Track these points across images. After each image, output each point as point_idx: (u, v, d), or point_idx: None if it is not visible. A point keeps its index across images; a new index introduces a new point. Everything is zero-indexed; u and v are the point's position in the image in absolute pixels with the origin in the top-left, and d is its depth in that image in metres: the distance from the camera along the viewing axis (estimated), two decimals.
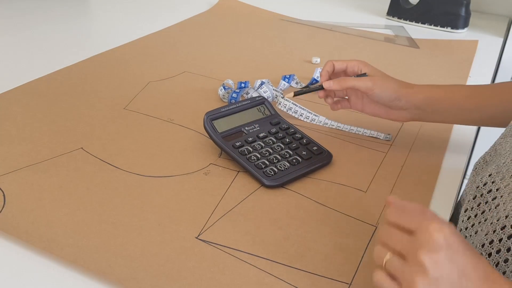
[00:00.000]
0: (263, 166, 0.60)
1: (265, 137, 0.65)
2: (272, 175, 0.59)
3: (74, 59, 0.93)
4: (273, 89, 0.81)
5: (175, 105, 0.79)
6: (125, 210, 0.55)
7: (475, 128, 0.79)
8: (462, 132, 0.75)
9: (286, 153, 0.63)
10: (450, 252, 0.38)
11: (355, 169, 0.64)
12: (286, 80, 0.85)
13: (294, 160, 0.62)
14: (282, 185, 0.59)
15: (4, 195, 0.56)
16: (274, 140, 0.65)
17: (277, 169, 0.60)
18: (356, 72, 0.67)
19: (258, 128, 0.66)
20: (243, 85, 0.83)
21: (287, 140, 0.65)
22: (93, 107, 0.76)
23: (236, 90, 0.80)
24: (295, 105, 0.76)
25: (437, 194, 0.61)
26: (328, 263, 0.49)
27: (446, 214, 0.58)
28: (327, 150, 0.65)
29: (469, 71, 0.98)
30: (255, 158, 0.61)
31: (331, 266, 0.49)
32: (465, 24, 1.23)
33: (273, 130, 0.67)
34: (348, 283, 0.47)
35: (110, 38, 1.06)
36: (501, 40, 1.20)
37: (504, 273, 0.45)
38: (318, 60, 0.98)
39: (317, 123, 0.75)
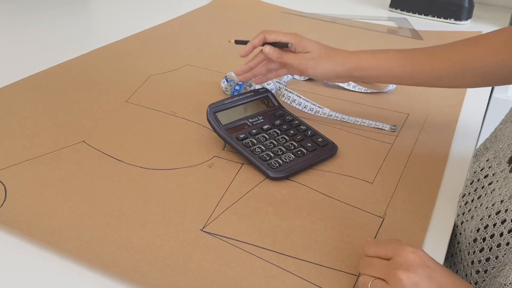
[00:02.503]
0: (267, 158, 0.59)
1: (269, 129, 0.64)
2: (277, 167, 0.58)
3: (75, 53, 0.92)
4: (276, 81, 0.80)
5: (178, 98, 0.78)
6: (128, 203, 0.54)
7: (481, 116, 0.78)
8: (468, 121, 0.75)
9: (290, 145, 0.62)
10: (428, 270, 0.40)
11: (361, 160, 0.64)
12: None
13: (299, 152, 0.61)
14: (287, 177, 0.59)
15: (5, 189, 0.55)
16: (279, 132, 0.64)
17: (282, 161, 0.59)
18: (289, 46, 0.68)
19: (262, 120, 0.65)
20: None
21: (292, 132, 0.64)
22: (94, 101, 0.75)
23: (239, 83, 0.79)
24: (299, 97, 0.75)
25: (445, 184, 0.60)
26: (335, 255, 0.48)
27: (454, 204, 0.57)
28: (332, 142, 0.64)
29: None
30: (259, 150, 0.60)
31: (338, 258, 0.48)
32: (468, 16, 1.21)
33: (277, 122, 0.66)
34: (356, 275, 0.46)
35: (111, 31, 1.05)
36: None
37: (496, 257, 0.45)
38: None
39: (321, 115, 0.74)
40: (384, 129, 0.71)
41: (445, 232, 0.53)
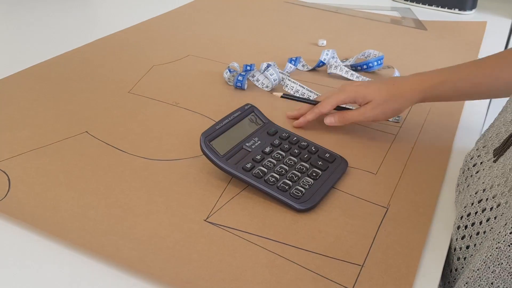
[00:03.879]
0: (286, 187, 0.53)
1: (272, 151, 0.58)
2: (300, 196, 0.53)
3: (77, 43, 0.91)
4: (280, 72, 0.80)
5: (180, 88, 0.77)
6: (132, 194, 0.54)
7: (485, 107, 0.77)
8: (472, 112, 0.74)
9: (302, 167, 0.57)
10: None
11: (365, 151, 0.63)
12: (293, 62, 0.84)
13: (314, 174, 0.56)
14: (315, 206, 0.53)
15: (9, 179, 0.55)
16: (283, 153, 0.58)
17: (302, 187, 0.54)
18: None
19: (260, 142, 0.59)
20: (248, 68, 0.82)
21: (296, 151, 0.59)
22: (96, 91, 0.75)
23: (242, 73, 0.78)
24: (302, 87, 0.75)
25: (449, 175, 0.60)
26: (339, 245, 0.48)
27: None
28: (340, 156, 0.60)
29: (477, 53, 0.97)
30: (274, 179, 0.54)
31: (342, 248, 0.48)
32: (473, 6, 1.21)
33: (276, 142, 0.60)
34: (360, 265, 0.46)
35: (113, 21, 1.04)
36: (509, 21, 1.18)
37: (475, 245, 0.46)
38: (324, 42, 0.96)
39: None
40: (388, 120, 0.71)
41: (449, 222, 0.52)
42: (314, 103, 0.67)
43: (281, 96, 0.67)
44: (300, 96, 0.67)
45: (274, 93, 0.67)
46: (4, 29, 1.00)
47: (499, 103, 0.63)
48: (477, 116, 0.74)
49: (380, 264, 0.46)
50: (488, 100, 0.81)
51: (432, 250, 0.49)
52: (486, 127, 1.01)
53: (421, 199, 0.55)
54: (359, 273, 0.45)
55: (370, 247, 0.48)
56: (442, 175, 0.59)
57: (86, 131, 0.65)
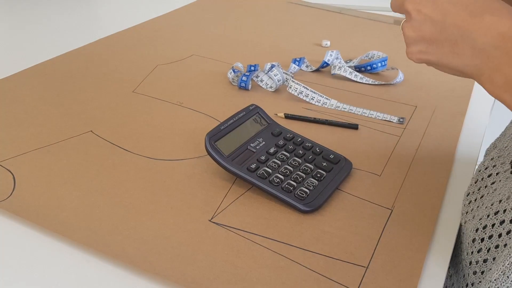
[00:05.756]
0: (291, 188, 0.53)
1: (276, 152, 0.58)
2: (304, 197, 0.53)
3: (82, 42, 0.92)
4: (284, 72, 0.80)
5: (184, 88, 0.77)
6: (136, 193, 0.54)
7: (489, 108, 0.77)
8: (476, 112, 0.74)
9: (306, 168, 0.57)
10: None
11: (369, 153, 0.63)
12: (296, 63, 0.84)
13: (318, 175, 0.56)
14: (319, 208, 0.53)
15: (14, 178, 0.55)
16: (287, 154, 0.58)
17: (307, 189, 0.54)
18: None
19: (264, 142, 0.59)
20: (252, 68, 0.82)
21: (300, 152, 0.59)
22: (101, 90, 0.75)
23: (246, 73, 0.78)
24: (306, 88, 0.75)
25: (454, 177, 0.60)
26: (344, 247, 0.48)
27: (462, 197, 0.56)
28: (344, 157, 0.60)
29: None
30: (278, 180, 0.54)
31: (347, 250, 0.48)
32: None
33: (280, 142, 0.60)
34: (365, 266, 0.46)
35: (117, 20, 1.04)
36: None
37: (494, 259, 0.44)
38: (328, 43, 0.96)
39: (329, 107, 0.74)
40: (392, 121, 0.71)
41: (453, 225, 0.52)
42: (318, 122, 0.68)
43: (285, 117, 0.68)
44: (304, 116, 0.68)
45: (278, 114, 0.70)
46: (8, 27, 1.01)
47: (503, 106, 0.62)
48: (481, 118, 0.74)
49: (384, 265, 0.46)
50: (492, 101, 0.81)
51: (436, 252, 0.49)
52: (489, 128, 1.01)
53: (426, 200, 0.55)
54: (364, 274, 0.45)
55: (375, 248, 0.48)
56: (446, 177, 0.59)
57: (91, 130, 0.65)
